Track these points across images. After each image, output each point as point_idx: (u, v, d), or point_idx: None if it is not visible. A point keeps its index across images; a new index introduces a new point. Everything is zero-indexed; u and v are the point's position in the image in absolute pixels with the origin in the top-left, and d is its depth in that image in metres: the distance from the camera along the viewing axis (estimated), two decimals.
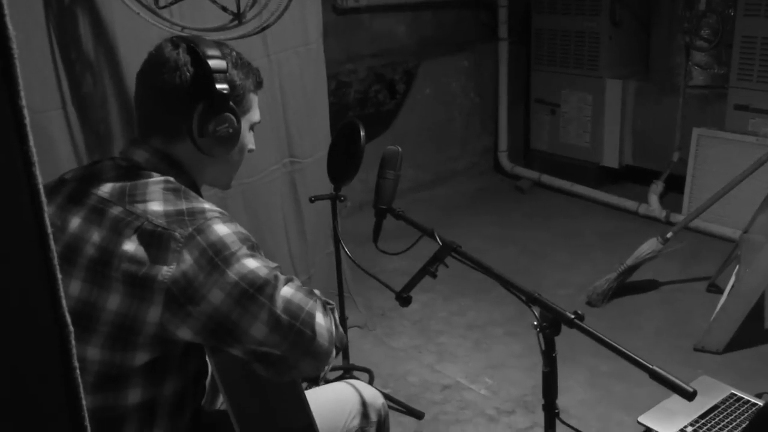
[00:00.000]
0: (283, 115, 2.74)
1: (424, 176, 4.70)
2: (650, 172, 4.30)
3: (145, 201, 1.17)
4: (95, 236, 1.15)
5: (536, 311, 1.36)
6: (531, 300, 1.37)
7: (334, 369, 2.70)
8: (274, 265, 1.18)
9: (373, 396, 1.62)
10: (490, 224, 4.21)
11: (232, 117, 1.28)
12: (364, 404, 1.58)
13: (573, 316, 1.29)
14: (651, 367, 1.18)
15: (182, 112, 1.24)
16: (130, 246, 1.12)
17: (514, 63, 4.80)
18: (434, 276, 1.53)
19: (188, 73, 1.24)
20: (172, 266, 1.10)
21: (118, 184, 1.21)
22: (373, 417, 1.59)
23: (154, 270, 1.10)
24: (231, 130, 1.28)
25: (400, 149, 1.70)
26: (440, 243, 1.54)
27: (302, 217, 2.88)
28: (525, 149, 5.03)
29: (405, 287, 1.55)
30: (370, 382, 2.61)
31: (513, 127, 4.92)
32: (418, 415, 2.47)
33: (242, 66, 1.33)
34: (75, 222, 1.19)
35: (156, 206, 1.16)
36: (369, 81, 4.21)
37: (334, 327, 1.22)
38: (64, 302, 0.62)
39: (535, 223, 4.20)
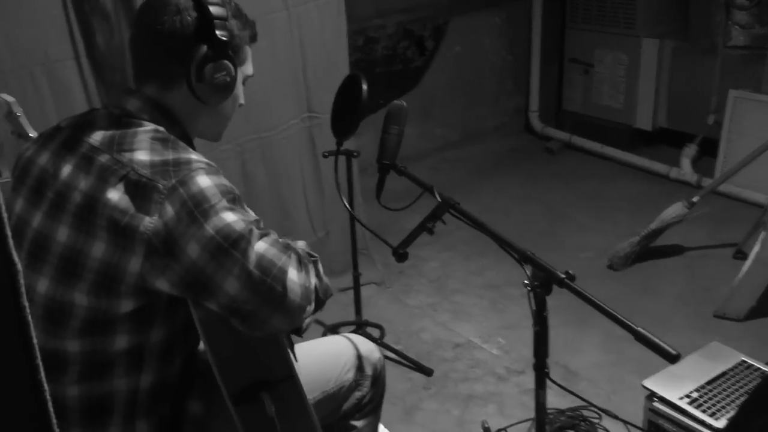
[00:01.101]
0: (302, 69, 2.73)
1: (453, 135, 4.64)
2: (685, 135, 4.18)
3: (132, 150, 1.18)
4: (82, 183, 1.17)
5: (528, 270, 1.34)
6: (524, 258, 1.35)
7: (346, 324, 2.72)
8: (253, 218, 1.18)
9: (370, 350, 1.62)
10: (517, 185, 4.17)
11: (230, 65, 1.28)
12: (359, 358, 1.59)
13: (564, 276, 1.27)
14: (636, 328, 1.16)
15: (181, 56, 1.24)
16: (114, 195, 1.14)
17: (548, 20, 4.67)
18: (431, 232, 1.52)
19: (189, 18, 1.23)
20: (154, 217, 1.11)
21: (108, 133, 1.22)
22: (368, 371, 1.60)
23: (137, 220, 1.12)
24: (228, 79, 1.28)
25: (404, 104, 1.67)
26: (439, 199, 1.52)
27: (320, 172, 2.88)
28: (557, 110, 4.93)
29: (402, 243, 1.54)
30: (381, 338, 2.63)
31: (545, 86, 4.82)
32: (428, 372, 2.49)
33: (240, 16, 1.32)
34: (66, 169, 1.20)
35: (142, 155, 1.17)
36: (398, 37, 4.15)
37: (313, 280, 1.22)
38: (10, 241, 0.63)
39: (562, 185, 4.14)
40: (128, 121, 1.24)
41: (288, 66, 2.67)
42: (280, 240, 1.21)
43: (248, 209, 1.21)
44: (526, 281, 1.33)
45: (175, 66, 1.25)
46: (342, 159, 2.53)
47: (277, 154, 2.73)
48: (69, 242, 1.16)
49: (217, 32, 1.24)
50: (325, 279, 1.28)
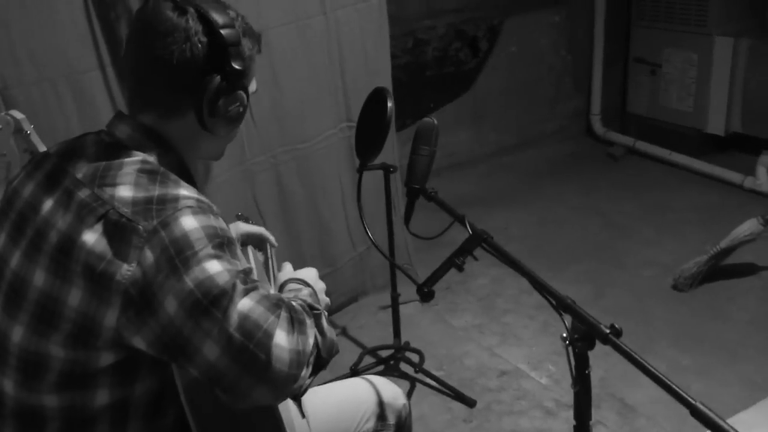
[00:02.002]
0: (341, 77, 2.59)
1: (508, 140, 4.44)
2: (761, 141, 3.87)
3: (114, 185, 1.05)
4: (60, 222, 1.05)
5: (567, 321, 1.16)
6: (563, 307, 1.18)
7: (383, 349, 2.57)
8: (242, 268, 1.03)
9: (393, 395, 1.47)
10: (575, 193, 3.94)
11: (244, 95, 1.15)
12: (381, 405, 1.44)
13: (608, 331, 1.09)
14: (693, 402, 0.97)
15: (190, 88, 1.10)
16: (91, 236, 1.01)
17: (612, 18, 4.41)
18: (460, 269, 1.36)
19: (200, 45, 1.09)
20: (132, 265, 0.98)
21: (93, 164, 1.10)
22: (391, 419, 1.45)
23: (114, 267, 0.99)
24: (241, 109, 1.16)
25: (436, 122, 1.51)
26: (470, 232, 1.35)
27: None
28: (621, 113, 4.66)
29: (427, 280, 1.39)
30: (421, 364, 2.47)
31: (608, 88, 4.55)
32: (470, 403, 2.32)
33: (250, 33, 1.18)
34: (47, 204, 1.09)
35: (125, 192, 1.04)
36: (449, 38, 3.98)
37: (311, 340, 1.06)
38: None
39: (624, 194, 3.88)
40: (116, 151, 1.12)
41: (325, 73, 2.53)
42: (272, 294, 1.06)
43: (240, 257, 1.07)
44: (564, 334, 1.16)
45: (181, 97, 1.12)
46: (374, 175, 2.34)
47: (314, 166, 2.60)
48: (45, 288, 1.04)
49: (233, 63, 1.10)
50: (330, 334, 1.12)
